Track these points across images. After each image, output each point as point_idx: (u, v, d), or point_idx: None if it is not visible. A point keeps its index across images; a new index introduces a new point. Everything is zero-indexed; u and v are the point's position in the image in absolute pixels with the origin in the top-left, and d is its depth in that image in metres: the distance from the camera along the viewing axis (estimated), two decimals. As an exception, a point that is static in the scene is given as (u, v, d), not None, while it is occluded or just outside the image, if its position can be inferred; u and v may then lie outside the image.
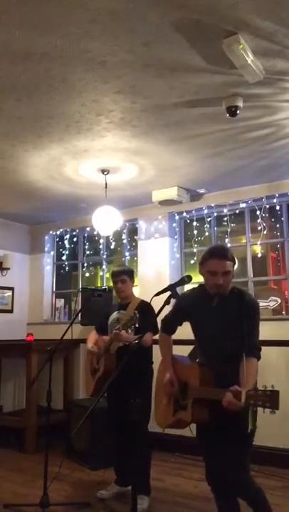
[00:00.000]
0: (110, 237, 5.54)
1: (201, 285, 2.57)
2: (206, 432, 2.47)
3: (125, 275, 3.61)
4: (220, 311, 2.42)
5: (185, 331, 2.67)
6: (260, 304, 4.22)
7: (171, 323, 2.74)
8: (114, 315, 3.66)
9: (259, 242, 4.76)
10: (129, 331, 3.22)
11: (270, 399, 1.98)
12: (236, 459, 2.34)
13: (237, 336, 2.31)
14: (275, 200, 4.69)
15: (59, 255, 6.34)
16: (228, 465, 2.35)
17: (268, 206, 4.73)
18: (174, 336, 2.77)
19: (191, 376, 2.47)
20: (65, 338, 3.48)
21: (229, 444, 2.31)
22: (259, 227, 4.72)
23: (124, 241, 5.65)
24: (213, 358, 2.46)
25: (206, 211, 5.08)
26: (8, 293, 6.03)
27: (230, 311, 2.40)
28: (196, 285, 2.66)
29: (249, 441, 2.36)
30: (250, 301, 2.46)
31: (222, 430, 2.30)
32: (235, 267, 2.50)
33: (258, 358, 2.36)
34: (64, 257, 6.18)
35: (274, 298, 5.15)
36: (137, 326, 3.08)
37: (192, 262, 5.30)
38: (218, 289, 2.41)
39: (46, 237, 6.33)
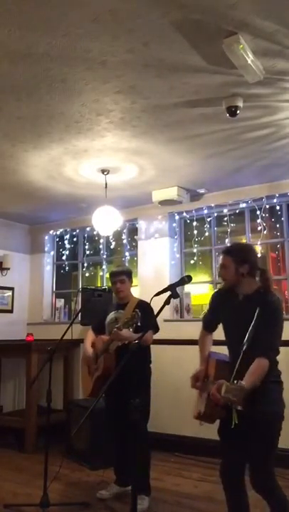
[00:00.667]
0: (110, 237, 5.54)
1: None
2: (224, 428, 2.48)
3: (124, 275, 3.62)
4: (242, 310, 2.47)
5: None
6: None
7: (208, 320, 2.82)
8: (112, 315, 3.66)
9: (259, 242, 4.75)
10: (130, 330, 3.22)
11: (236, 394, 2.03)
12: (255, 459, 2.37)
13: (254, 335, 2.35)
14: (275, 200, 4.69)
15: (59, 255, 6.34)
16: (250, 465, 2.40)
17: (267, 206, 4.73)
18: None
19: (211, 371, 2.53)
20: (65, 338, 3.48)
21: (247, 443, 2.35)
22: (259, 227, 4.72)
23: (124, 241, 5.65)
24: (235, 355, 2.46)
25: (206, 211, 5.08)
26: (8, 293, 6.03)
27: (252, 309, 2.41)
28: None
29: (271, 442, 2.37)
30: (270, 300, 2.45)
31: (239, 428, 2.30)
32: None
33: (269, 358, 2.32)
34: (64, 257, 6.18)
35: (274, 298, 5.13)
36: (138, 324, 3.08)
37: (192, 262, 5.30)
38: (224, 283, 2.61)
39: (46, 237, 6.33)
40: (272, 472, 2.41)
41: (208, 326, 2.81)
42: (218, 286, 5.09)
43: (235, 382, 2.11)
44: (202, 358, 2.72)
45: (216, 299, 2.76)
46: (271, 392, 2.38)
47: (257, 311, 2.37)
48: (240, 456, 2.42)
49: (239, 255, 2.52)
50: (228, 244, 2.83)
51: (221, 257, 2.61)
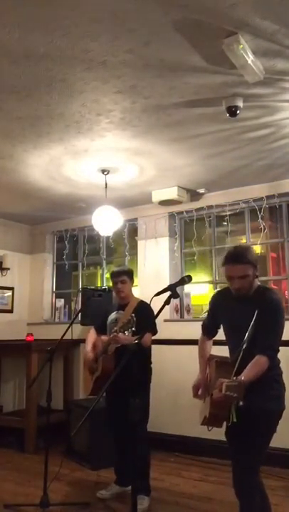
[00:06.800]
0: (110, 237, 5.54)
1: None
2: (228, 431, 2.45)
3: (125, 275, 3.62)
4: (242, 310, 2.42)
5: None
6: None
7: (208, 325, 2.77)
8: (113, 315, 3.66)
9: (259, 242, 4.76)
10: (126, 333, 3.22)
11: (236, 390, 2.01)
12: (246, 454, 2.34)
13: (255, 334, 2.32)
14: (275, 200, 4.69)
15: (59, 255, 6.34)
16: (239, 460, 2.36)
17: (267, 206, 4.73)
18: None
19: (212, 373, 2.50)
20: (65, 338, 3.48)
21: (241, 444, 2.32)
22: (259, 227, 4.72)
23: (125, 241, 5.65)
24: (233, 355, 2.45)
25: (206, 211, 5.08)
26: (8, 293, 6.03)
27: (251, 309, 2.37)
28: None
29: (265, 439, 2.36)
30: (269, 299, 2.42)
31: (239, 430, 2.28)
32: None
33: (269, 356, 2.31)
34: (64, 257, 6.18)
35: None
36: (133, 329, 3.08)
37: (192, 262, 5.30)
38: (237, 292, 2.44)
39: (46, 237, 6.33)
40: (258, 472, 2.38)
41: (209, 331, 2.76)
42: (219, 286, 5.11)
43: (234, 378, 2.10)
44: (202, 366, 2.68)
45: (216, 301, 2.70)
46: (272, 389, 2.37)
47: (257, 310, 2.34)
48: (236, 458, 2.40)
49: (254, 260, 2.42)
50: (231, 251, 2.50)
51: (230, 267, 2.41)
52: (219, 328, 2.71)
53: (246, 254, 2.42)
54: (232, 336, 2.54)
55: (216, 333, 2.75)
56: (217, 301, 2.70)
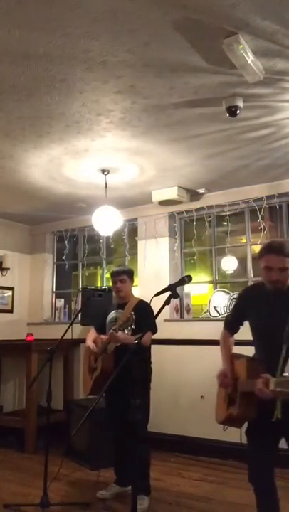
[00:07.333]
0: (110, 237, 5.54)
1: (262, 281, 2.51)
2: (255, 429, 2.42)
3: (125, 275, 3.62)
4: (275, 307, 2.40)
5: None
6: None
7: (231, 321, 2.73)
8: (113, 314, 3.67)
9: (259, 242, 4.76)
10: (126, 332, 3.22)
11: None
12: None
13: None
14: (275, 200, 4.69)
15: (59, 255, 6.34)
16: None
17: (267, 206, 4.73)
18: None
19: (241, 370, 2.45)
20: (65, 338, 3.48)
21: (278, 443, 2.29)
22: (259, 227, 4.72)
23: (125, 241, 5.65)
24: (266, 353, 2.42)
25: (206, 211, 5.08)
26: (8, 293, 6.03)
27: (286, 305, 2.35)
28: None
29: None
30: None
31: (271, 430, 2.25)
32: None
33: None
34: (64, 257, 6.19)
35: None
36: (133, 327, 3.08)
37: (192, 262, 5.30)
38: (274, 285, 2.39)
39: (46, 237, 6.33)
40: None
41: (232, 327, 2.72)
42: (219, 286, 5.11)
43: (286, 375, 2.04)
44: (225, 359, 2.62)
45: (245, 297, 2.66)
46: None
47: None
48: (271, 458, 2.38)
49: None
50: (273, 242, 2.49)
51: (272, 257, 2.36)
52: (242, 324, 2.68)
53: (288, 247, 2.40)
54: (263, 332, 2.49)
55: (238, 329, 2.72)
56: (246, 297, 2.65)
